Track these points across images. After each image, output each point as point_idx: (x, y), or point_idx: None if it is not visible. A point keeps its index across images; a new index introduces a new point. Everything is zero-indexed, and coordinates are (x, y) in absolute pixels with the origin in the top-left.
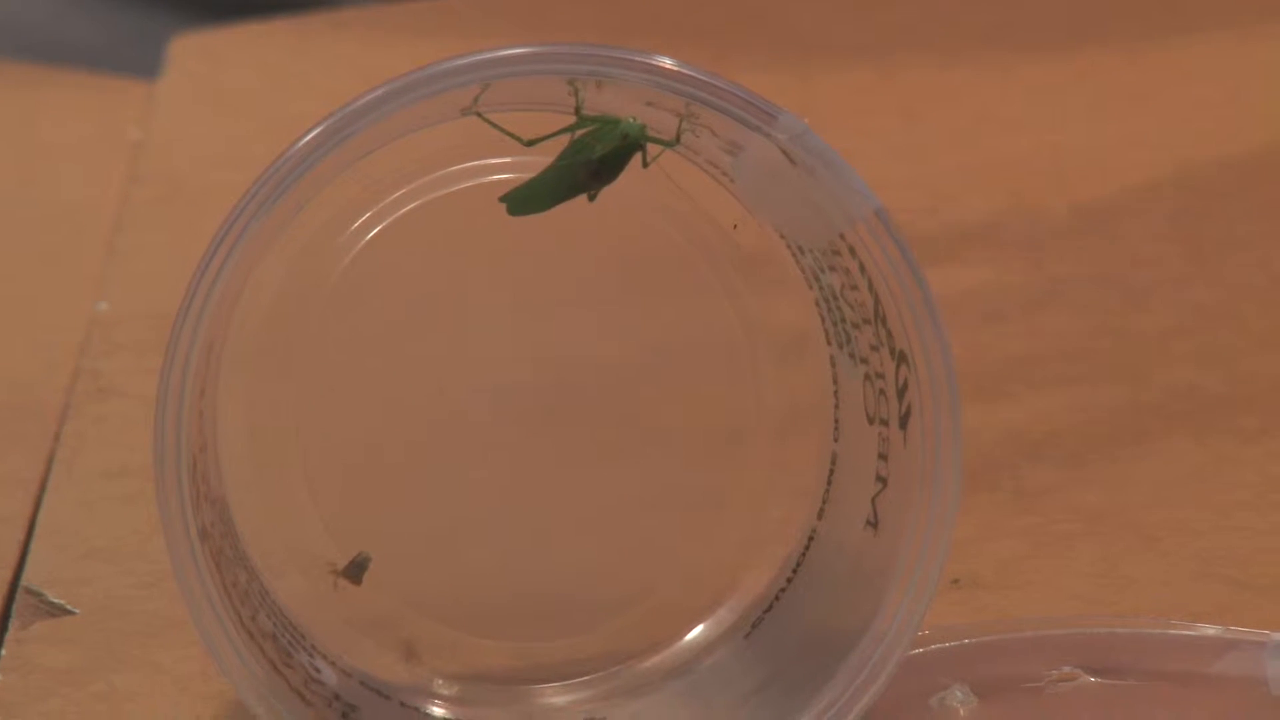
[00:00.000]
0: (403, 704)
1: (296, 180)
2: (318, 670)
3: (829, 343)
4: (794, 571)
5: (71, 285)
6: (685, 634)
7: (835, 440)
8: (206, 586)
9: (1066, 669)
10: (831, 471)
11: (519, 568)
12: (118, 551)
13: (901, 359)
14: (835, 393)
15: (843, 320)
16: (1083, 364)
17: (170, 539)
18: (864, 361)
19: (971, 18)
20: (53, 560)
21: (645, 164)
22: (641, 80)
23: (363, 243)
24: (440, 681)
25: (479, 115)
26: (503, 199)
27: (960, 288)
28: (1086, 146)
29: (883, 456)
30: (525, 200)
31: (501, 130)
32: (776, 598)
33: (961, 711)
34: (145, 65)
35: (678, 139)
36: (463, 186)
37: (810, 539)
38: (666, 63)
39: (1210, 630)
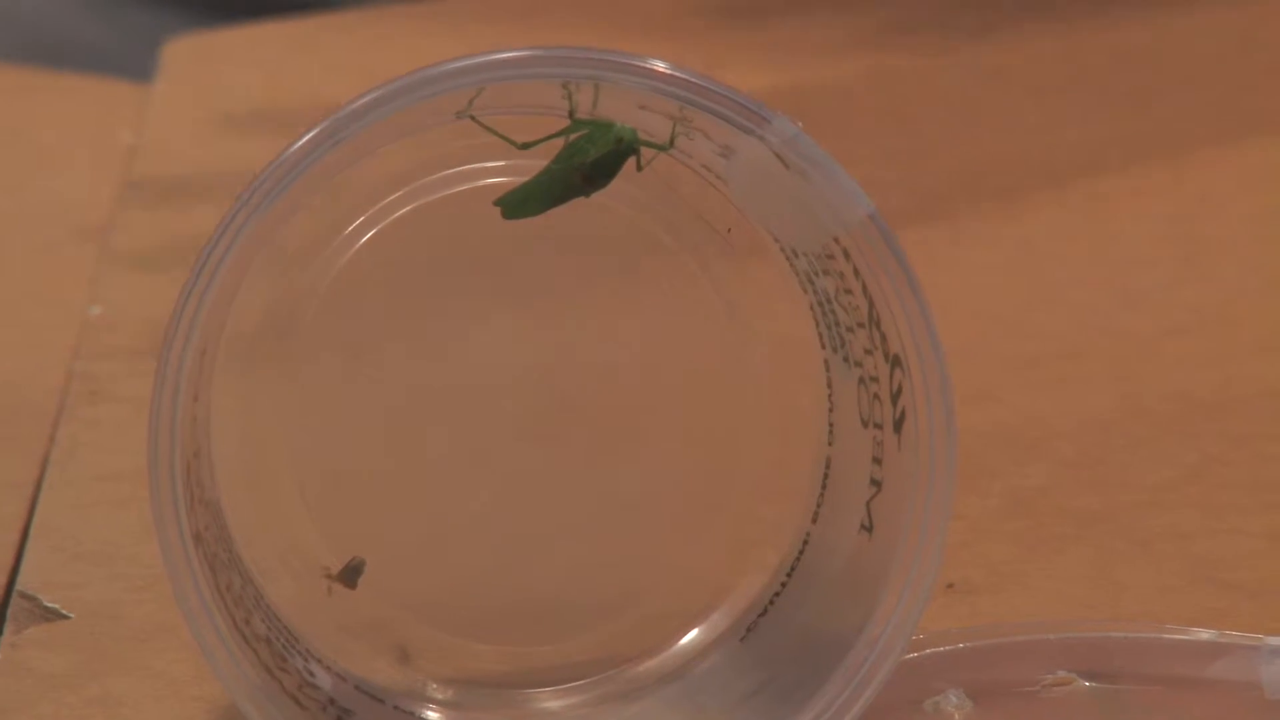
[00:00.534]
0: (397, 708)
1: (291, 184)
2: (312, 674)
3: (823, 346)
4: (788, 576)
5: (65, 288)
6: (679, 638)
7: (829, 444)
8: (200, 590)
9: (1061, 673)
10: (826, 475)
11: (513, 572)
12: (111, 555)
13: (896, 362)
14: (829, 396)
15: (837, 324)
16: (1076, 366)
17: (163, 543)
18: (858, 365)
19: (963, 19)
20: (46, 564)
21: (639, 168)
22: (635, 84)
23: (357, 246)
24: (434, 685)
25: (473, 119)
26: (497, 202)
27: (954, 290)
28: (1081, 146)
29: (877, 460)
30: (520, 204)
31: (496, 134)
32: (771, 602)
33: (956, 716)
34: (139, 68)
35: (671, 143)
36: (457, 190)
37: (804, 543)
38: (660, 66)
39: (1204, 634)
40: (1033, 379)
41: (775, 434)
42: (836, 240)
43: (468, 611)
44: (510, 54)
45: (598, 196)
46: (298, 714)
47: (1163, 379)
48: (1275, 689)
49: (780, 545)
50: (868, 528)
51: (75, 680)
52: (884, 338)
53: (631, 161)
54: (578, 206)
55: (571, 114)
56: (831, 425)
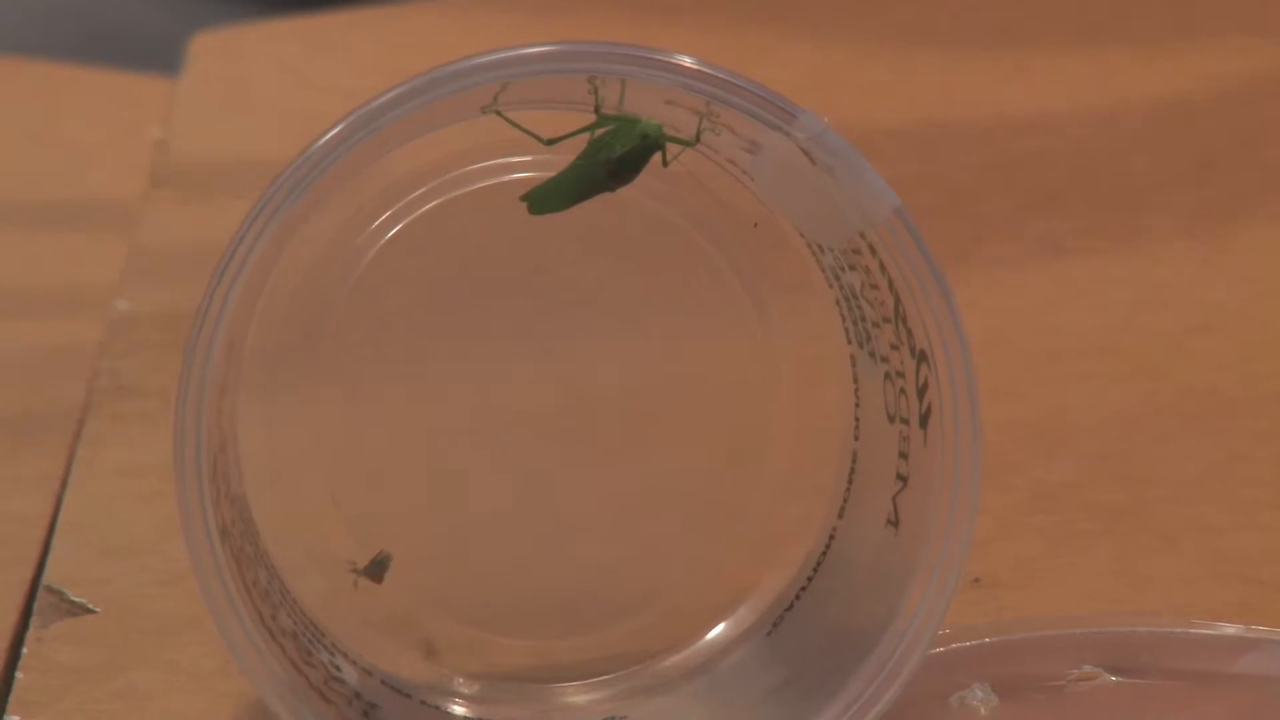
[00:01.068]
0: (423, 702)
1: (317, 178)
2: (338, 669)
3: (849, 341)
4: (815, 570)
5: (92, 283)
6: (705, 633)
7: (856, 439)
8: (226, 585)
9: (1087, 668)
10: (852, 470)
11: (539, 566)
12: (138, 550)
13: (922, 358)
14: (855, 391)
15: (863, 319)
16: (1101, 362)
17: (190, 538)
18: (884, 360)
19: (989, 14)
20: (73, 559)
21: (665, 163)
22: (662, 79)
23: (383, 241)
24: (460, 680)
25: (499, 114)
26: (523, 198)
27: (979, 286)
28: (1106, 143)
29: (903, 455)
30: (545, 199)
31: (521, 129)
32: (797, 597)
33: (982, 710)
34: (167, 62)
35: (697, 138)
36: (482, 185)
37: (831, 538)
38: (687, 61)
39: (1230, 629)
40: (1057, 374)
41: (801, 429)
42: (862, 236)
43: (494, 606)
44: (536, 49)
45: (624, 192)
46: (324, 709)
47: (1188, 375)
48: None
49: (806, 540)
50: (894, 523)
51: (101, 674)
52: (910, 333)
53: (657, 157)
54: (604, 202)
55: (597, 109)
56: (858, 420)
